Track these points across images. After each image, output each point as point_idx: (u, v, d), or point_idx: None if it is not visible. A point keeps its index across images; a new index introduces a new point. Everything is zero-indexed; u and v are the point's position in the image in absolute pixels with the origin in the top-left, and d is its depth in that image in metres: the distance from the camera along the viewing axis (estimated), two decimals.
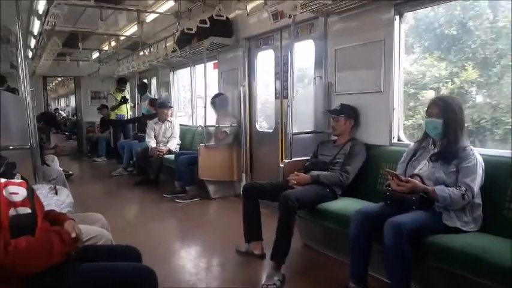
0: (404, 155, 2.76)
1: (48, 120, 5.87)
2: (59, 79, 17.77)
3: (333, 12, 3.73)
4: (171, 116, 6.57)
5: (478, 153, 2.43)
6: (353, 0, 3.36)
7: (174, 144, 6.34)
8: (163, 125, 6.42)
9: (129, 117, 9.00)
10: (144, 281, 1.74)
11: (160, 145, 6.28)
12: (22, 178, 1.79)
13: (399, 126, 3.39)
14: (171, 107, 6.71)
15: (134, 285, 1.72)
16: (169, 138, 6.40)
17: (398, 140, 3.38)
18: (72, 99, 16.88)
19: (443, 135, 2.53)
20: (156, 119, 6.51)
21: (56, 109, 21.46)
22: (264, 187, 3.35)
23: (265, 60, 5.20)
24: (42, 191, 2.46)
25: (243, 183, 5.16)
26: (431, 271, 2.45)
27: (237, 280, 3.05)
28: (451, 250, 2.17)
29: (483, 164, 2.41)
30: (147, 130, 6.44)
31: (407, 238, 2.21)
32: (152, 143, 6.27)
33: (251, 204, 3.33)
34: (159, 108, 6.49)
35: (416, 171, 2.57)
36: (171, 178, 5.94)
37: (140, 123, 7.54)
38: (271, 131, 5.13)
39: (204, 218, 4.86)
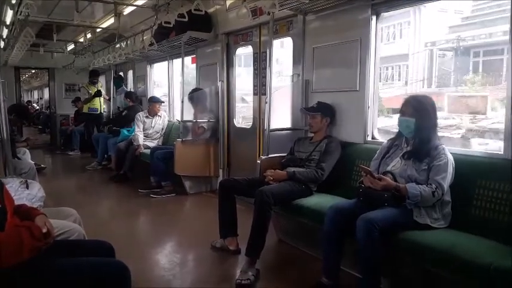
0: (377, 152, 2.81)
1: (19, 113, 5.66)
2: (33, 71, 17.28)
3: (311, 10, 3.77)
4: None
5: (449, 152, 2.49)
6: None
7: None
8: (153, 119, 6.37)
9: (102, 111, 8.82)
10: (117, 275, 1.73)
11: (148, 141, 6.25)
12: None
13: (373, 124, 3.45)
14: (163, 102, 6.65)
15: (107, 280, 1.70)
16: (161, 131, 6.45)
17: (373, 138, 3.44)
18: (46, 91, 16.48)
19: (415, 134, 2.59)
20: (145, 112, 6.40)
21: (29, 101, 20.93)
22: (240, 183, 3.36)
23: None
24: (13, 185, 2.42)
25: (220, 178, 5.16)
26: (402, 266, 2.52)
27: (212, 275, 3.05)
28: (421, 246, 2.22)
29: (453, 162, 2.47)
30: (136, 122, 6.30)
31: (379, 234, 2.26)
32: (140, 139, 6.16)
33: (227, 199, 3.33)
34: (151, 103, 6.38)
35: (389, 168, 2.62)
36: (146, 173, 5.89)
37: (124, 119, 7.31)
38: (249, 127, 5.13)
39: (179, 213, 4.85)
